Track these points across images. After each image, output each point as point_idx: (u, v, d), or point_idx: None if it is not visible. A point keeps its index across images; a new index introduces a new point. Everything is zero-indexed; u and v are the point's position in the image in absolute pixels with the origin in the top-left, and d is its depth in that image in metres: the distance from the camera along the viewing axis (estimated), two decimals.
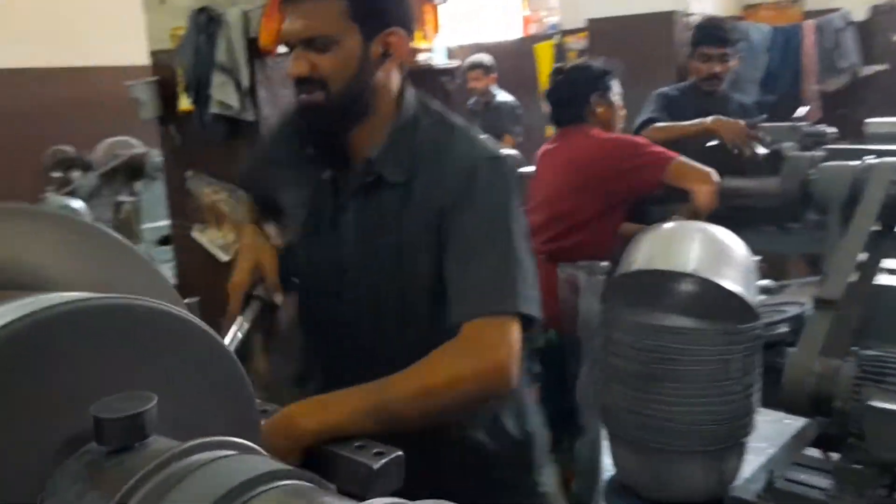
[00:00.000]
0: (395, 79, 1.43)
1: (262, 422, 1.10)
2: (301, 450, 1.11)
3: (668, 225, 1.52)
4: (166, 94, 3.70)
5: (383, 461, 1.01)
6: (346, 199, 1.45)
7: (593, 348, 1.88)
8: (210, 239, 3.65)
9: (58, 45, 6.16)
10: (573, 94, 2.91)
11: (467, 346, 1.29)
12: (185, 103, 3.53)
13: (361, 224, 1.43)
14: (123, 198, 5.46)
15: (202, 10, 3.29)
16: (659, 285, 1.32)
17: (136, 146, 5.45)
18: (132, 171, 5.53)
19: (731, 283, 1.30)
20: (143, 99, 3.66)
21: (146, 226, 5.22)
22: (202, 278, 3.35)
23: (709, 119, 3.06)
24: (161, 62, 3.77)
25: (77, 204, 5.12)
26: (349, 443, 1.08)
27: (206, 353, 0.74)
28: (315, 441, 1.11)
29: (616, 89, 2.94)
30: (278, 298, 1.45)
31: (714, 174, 2.60)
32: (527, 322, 1.34)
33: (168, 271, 3.93)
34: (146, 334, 0.68)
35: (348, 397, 1.20)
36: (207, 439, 0.57)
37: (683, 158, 2.63)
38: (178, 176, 3.85)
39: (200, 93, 3.34)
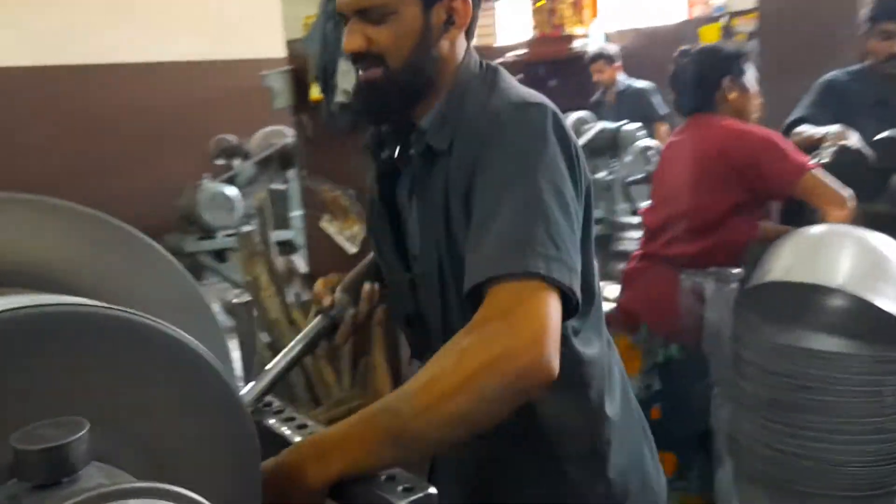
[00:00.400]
0: (459, 48, 1.28)
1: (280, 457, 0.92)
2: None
3: (815, 229, 1.33)
4: (300, 83, 3.74)
5: (412, 498, 0.87)
6: (404, 178, 1.33)
7: (721, 366, 1.70)
8: (337, 230, 3.69)
9: (220, 39, 6.48)
10: (702, 78, 2.60)
11: (482, 327, 1.02)
12: (315, 92, 3.55)
13: (419, 202, 1.30)
14: (276, 185, 5.65)
15: None
16: (801, 300, 1.13)
17: (288, 136, 5.63)
18: (284, 159, 5.71)
19: (887, 302, 1.11)
20: (276, 88, 3.65)
21: (295, 213, 5.35)
22: (331, 268, 3.38)
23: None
24: (295, 51, 3.81)
25: (231, 191, 5.29)
26: (377, 476, 0.91)
27: (190, 373, 0.66)
28: (327, 488, 0.92)
29: (751, 74, 2.64)
30: (326, 301, 1.36)
31: (850, 199, 2.21)
32: (564, 298, 1.06)
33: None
34: (106, 347, 0.62)
35: (361, 430, 0.97)
36: (139, 485, 0.50)
37: (821, 173, 2.28)
38: (311, 165, 3.91)
39: (327, 81, 3.32)
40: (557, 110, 1.21)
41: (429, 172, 1.26)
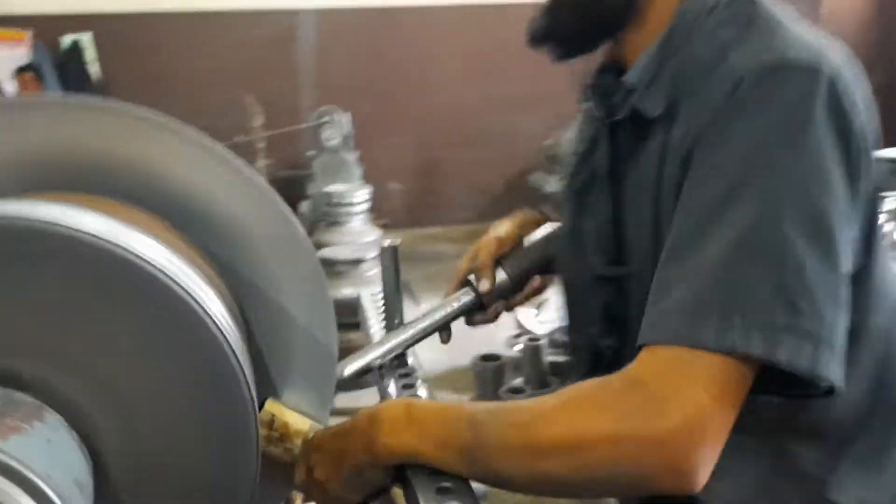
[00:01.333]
0: None
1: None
2: (382, 468, 0.84)
3: None
4: None
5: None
6: (604, 147, 1.00)
7: None
8: None
9: None
10: None
11: (630, 388, 0.76)
12: None
13: (615, 178, 0.99)
14: None
15: None
16: None
17: None
18: None
19: None
20: None
21: None
22: None
23: None
24: None
25: None
26: (436, 478, 0.81)
27: (157, 310, 0.65)
28: (398, 462, 0.83)
29: None
30: (483, 286, 1.18)
31: None
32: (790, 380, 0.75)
33: None
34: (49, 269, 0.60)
35: (442, 423, 0.82)
36: None
37: None
38: None
39: None
40: (838, 73, 0.80)
41: (636, 145, 0.94)
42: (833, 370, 0.74)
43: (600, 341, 1.01)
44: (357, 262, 3.79)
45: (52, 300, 0.62)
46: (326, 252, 3.79)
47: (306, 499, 1.05)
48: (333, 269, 3.72)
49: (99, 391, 0.63)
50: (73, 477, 0.59)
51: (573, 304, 1.10)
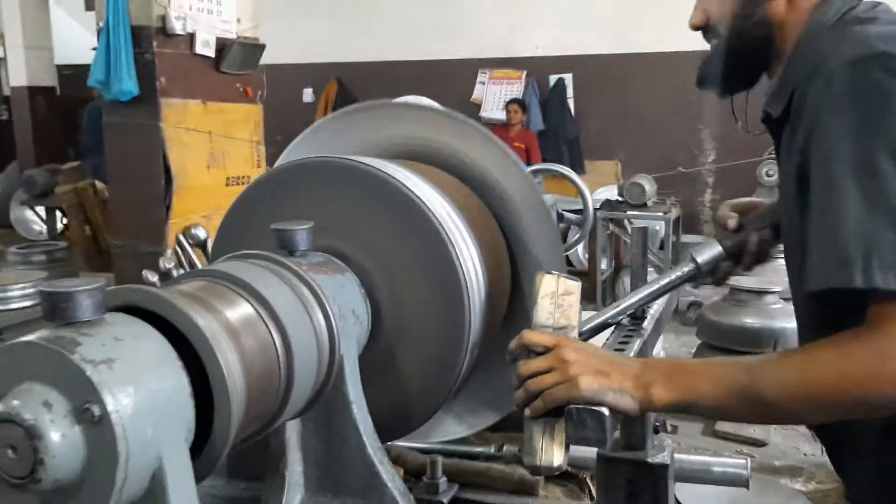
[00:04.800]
0: (803, 3, 1.13)
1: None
2: (628, 396, 0.99)
3: None
4: None
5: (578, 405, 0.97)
6: (777, 152, 1.19)
7: None
8: None
9: None
10: None
11: (866, 339, 0.94)
12: None
13: (779, 171, 1.19)
14: None
15: None
16: None
17: None
18: None
19: None
20: None
21: None
22: None
23: None
24: None
25: None
26: None
27: (402, 209, 1.08)
28: (663, 410, 1.01)
29: None
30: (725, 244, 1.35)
31: None
32: None
33: None
34: (347, 184, 1.05)
35: (715, 369, 1.01)
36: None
37: None
38: None
39: None
40: None
41: (780, 141, 1.13)
42: None
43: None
44: (762, 293, 3.81)
45: (361, 209, 1.08)
46: (731, 281, 3.87)
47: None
48: (736, 297, 3.80)
49: (379, 266, 1.08)
50: (352, 308, 1.04)
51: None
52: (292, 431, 1.03)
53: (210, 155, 3.68)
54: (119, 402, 0.66)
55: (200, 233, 3.38)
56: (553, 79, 7.41)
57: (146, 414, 0.69)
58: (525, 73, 7.47)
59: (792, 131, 1.05)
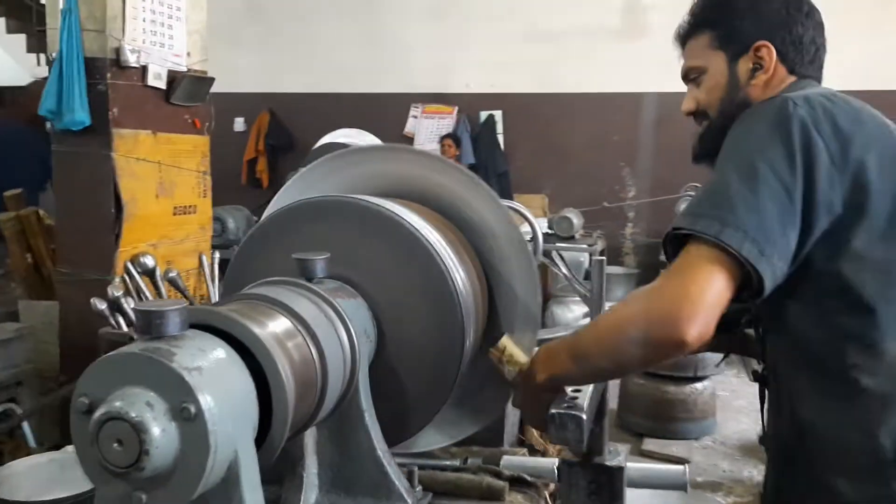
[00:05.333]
0: (773, 89, 1.39)
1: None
2: (537, 398, 1.26)
3: None
4: None
5: (559, 410, 1.19)
6: None
7: None
8: None
9: None
10: None
11: (656, 284, 1.16)
12: None
13: None
14: None
15: None
16: None
17: None
18: None
19: None
20: None
21: None
22: None
23: None
24: None
25: None
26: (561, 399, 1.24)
27: (405, 245, 1.25)
28: (548, 391, 1.24)
29: None
30: None
31: None
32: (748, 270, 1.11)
33: None
34: (356, 221, 1.25)
35: (560, 345, 1.26)
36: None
37: None
38: None
39: None
40: (807, 104, 1.20)
41: None
42: (744, 246, 1.11)
43: None
44: None
45: (367, 241, 1.24)
46: None
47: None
48: None
49: (383, 291, 1.23)
50: (364, 327, 1.19)
51: None
52: (309, 438, 1.17)
53: (159, 184, 3.74)
54: (209, 402, 0.80)
55: (149, 261, 3.43)
56: (484, 115, 7.71)
57: (227, 412, 0.82)
58: (457, 108, 7.75)
59: None
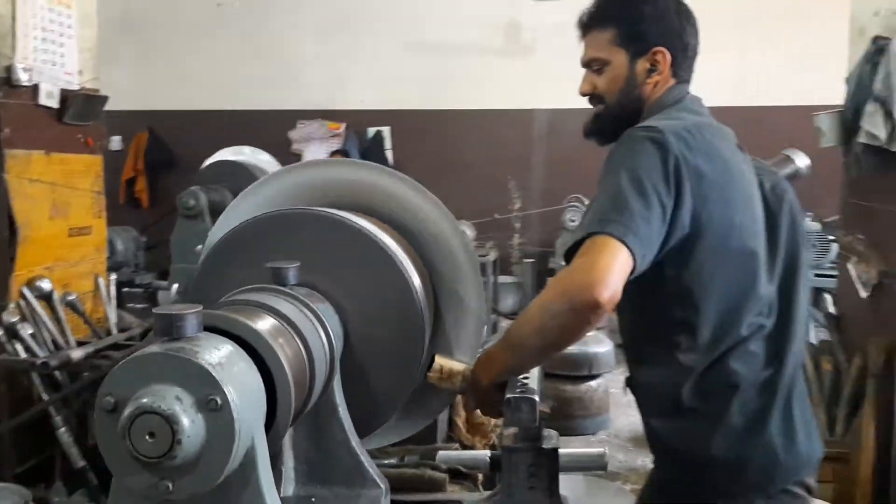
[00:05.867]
0: (663, 90, 1.63)
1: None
2: (489, 397, 1.45)
3: None
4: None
5: (513, 395, 1.35)
6: None
7: None
8: (857, 272, 3.45)
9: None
10: None
11: (568, 269, 1.39)
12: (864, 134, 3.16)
13: None
14: None
15: (875, 38, 3.15)
16: None
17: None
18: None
19: None
20: (823, 129, 3.50)
21: None
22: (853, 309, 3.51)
23: None
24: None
25: None
26: (514, 384, 1.40)
27: (364, 248, 1.37)
28: (493, 389, 1.42)
29: None
30: None
31: None
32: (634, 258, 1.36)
33: None
34: (322, 230, 1.36)
35: (499, 344, 1.45)
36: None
37: None
38: (852, 207, 3.65)
39: (855, 123, 3.19)
40: (674, 133, 1.47)
41: None
42: (637, 246, 1.35)
43: None
44: None
45: (332, 250, 1.33)
46: None
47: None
48: None
49: (349, 295, 1.33)
50: (335, 331, 1.28)
51: None
52: (286, 435, 1.25)
53: (53, 206, 3.64)
54: (232, 394, 0.88)
55: (45, 285, 3.33)
56: (371, 131, 7.83)
57: (246, 403, 0.90)
58: (345, 124, 7.82)
59: None
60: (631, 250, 1.34)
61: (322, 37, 7.85)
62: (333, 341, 1.20)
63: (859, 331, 3.23)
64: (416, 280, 1.38)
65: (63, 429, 3.01)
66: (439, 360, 1.47)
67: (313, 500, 1.23)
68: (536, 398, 1.34)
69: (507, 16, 7.62)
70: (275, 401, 1.00)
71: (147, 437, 0.85)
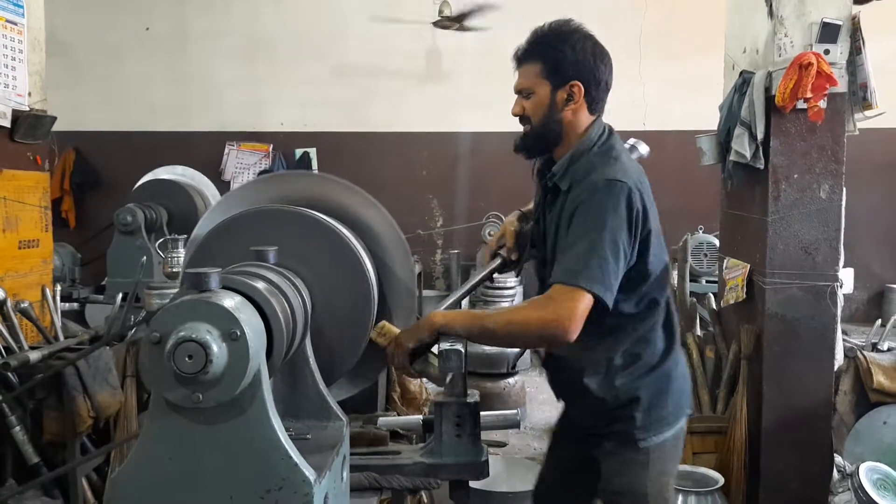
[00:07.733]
0: (581, 118, 1.98)
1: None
2: (427, 332, 1.85)
3: None
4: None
5: (446, 346, 1.77)
6: (544, 197, 2.08)
7: None
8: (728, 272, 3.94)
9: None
10: None
11: (545, 301, 1.81)
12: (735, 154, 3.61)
13: (547, 215, 2.04)
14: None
15: (742, 72, 3.71)
16: None
17: None
18: None
19: None
20: (704, 149, 3.95)
21: None
22: None
23: None
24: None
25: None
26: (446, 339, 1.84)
27: (332, 243, 1.71)
28: (436, 330, 1.83)
29: None
30: (513, 256, 2.25)
31: None
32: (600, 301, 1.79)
33: None
34: (296, 225, 1.74)
35: (467, 315, 1.89)
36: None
37: None
38: (728, 216, 4.12)
39: (727, 143, 3.69)
40: (635, 185, 1.85)
41: (554, 200, 1.99)
42: (609, 298, 1.81)
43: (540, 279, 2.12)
44: None
45: (302, 240, 1.70)
46: None
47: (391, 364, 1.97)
48: None
49: (317, 275, 1.70)
50: (303, 302, 1.64)
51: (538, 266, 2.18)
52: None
53: (4, 219, 3.86)
54: (248, 329, 1.24)
55: None
56: (299, 152, 8.12)
57: (255, 336, 1.26)
58: (272, 146, 8.09)
59: (566, 200, 1.94)
60: (603, 298, 1.79)
61: (244, 60, 8.11)
62: (307, 302, 1.56)
63: (735, 322, 3.75)
64: (367, 262, 1.77)
65: (17, 427, 3.21)
66: (383, 323, 1.88)
67: (290, 430, 1.58)
68: (463, 350, 1.75)
69: (428, 43, 8.08)
70: (271, 340, 1.36)
71: (187, 358, 1.20)
